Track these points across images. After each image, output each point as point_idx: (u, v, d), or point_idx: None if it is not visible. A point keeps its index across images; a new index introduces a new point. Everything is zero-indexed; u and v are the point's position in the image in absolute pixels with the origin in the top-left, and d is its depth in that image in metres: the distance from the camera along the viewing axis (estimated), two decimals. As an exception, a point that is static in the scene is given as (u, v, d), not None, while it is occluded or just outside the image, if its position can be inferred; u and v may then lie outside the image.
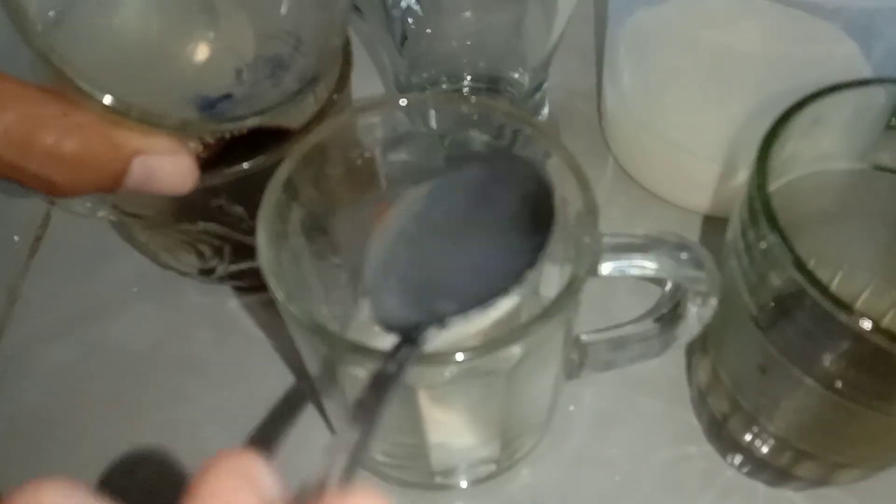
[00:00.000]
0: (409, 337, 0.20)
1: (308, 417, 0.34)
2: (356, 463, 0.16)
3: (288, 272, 0.25)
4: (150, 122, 0.21)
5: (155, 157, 0.21)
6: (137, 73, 0.23)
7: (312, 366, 0.27)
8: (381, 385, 0.18)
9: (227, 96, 0.23)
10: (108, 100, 0.20)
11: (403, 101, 0.28)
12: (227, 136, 0.38)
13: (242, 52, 0.23)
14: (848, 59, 0.33)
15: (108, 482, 0.33)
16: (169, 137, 0.22)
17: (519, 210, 0.23)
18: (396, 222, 0.23)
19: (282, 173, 0.25)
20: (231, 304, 0.38)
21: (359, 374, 0.24)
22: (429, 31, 0.39)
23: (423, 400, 0.24)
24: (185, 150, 0.22)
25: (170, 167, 0.22)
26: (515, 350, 0.22)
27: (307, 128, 0.30)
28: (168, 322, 0.38)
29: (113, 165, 0.21)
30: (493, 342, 0.22)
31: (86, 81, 0.20)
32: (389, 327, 0.21)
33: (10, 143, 0.19)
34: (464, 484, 0.31)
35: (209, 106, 0.23)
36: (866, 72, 0.33)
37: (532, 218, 0.23)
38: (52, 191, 0.21)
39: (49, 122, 0.20)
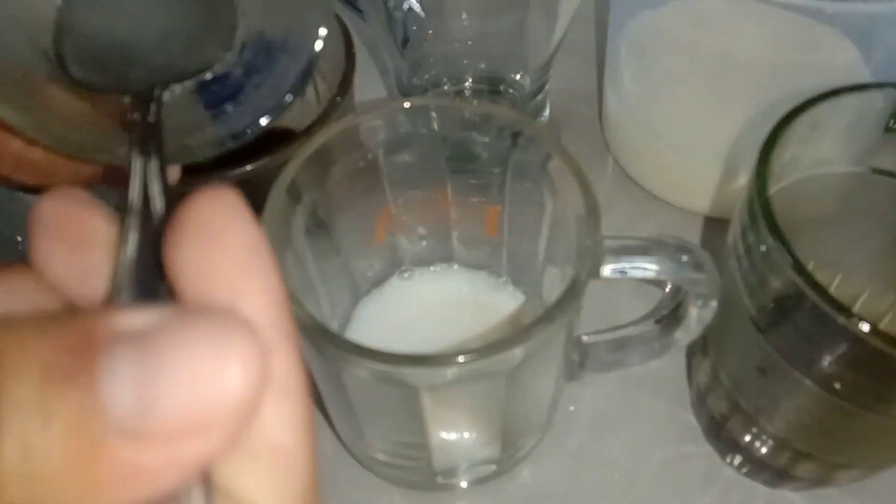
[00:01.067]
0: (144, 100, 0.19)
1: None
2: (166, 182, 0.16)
3: (291, 274, 0.25)
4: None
5: None
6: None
7: (315, 366, 0.27)
8: (152, 131, 0.18)
9: (225, 77, 0.22)
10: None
11: (406, 104, 0.28)
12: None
13: (250, 22, 0.23)
14: (848, 64, 0.33)
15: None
16: None
17: None
18: None
19: (286, 176, 0.25)
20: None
21: (361, 374, 0.24)
22: (430, 32, 0.39)
23: (426, 400, 0.24)
24: None
25: None
26: (518, 352, 0.22)
27: (310, 130, 0.30)
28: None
29: (85, 168, 0.20)
30: (495, 344, 0.22)
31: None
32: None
33: None
34: (465, 484, 0.31)
35: (203, 87, 0.23)
36: (866, 76, 0.33)
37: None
38: (27, 189, 0.20)
39: None
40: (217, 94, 0.22)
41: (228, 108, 0.22)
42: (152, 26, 0.21)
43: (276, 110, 0.21)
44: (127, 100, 0.19)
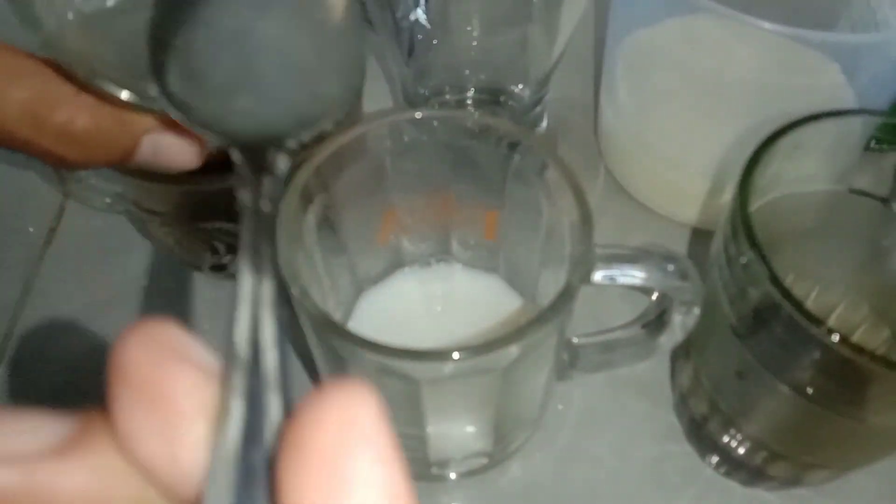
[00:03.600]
0: (257, 164, 0.17)
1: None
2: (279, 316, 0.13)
3: (301, 270, 0.26)
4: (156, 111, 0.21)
5: (164, 134, 0.22)
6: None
7: (321, 358, 0.28)
8: (266, 226, 0.15)
9: None
10: (125, 95, 0.20)
11: (410, 115, 0.30)
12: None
13: None
14: (833, 86, 0.34)
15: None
16: None
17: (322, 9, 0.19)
18: None
19: (299, 180, 0.27)
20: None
21: (364, 366, 0.26)
22: (435, 43, 0.41)
23: (425, 393, 0.26)
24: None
25: (178, 144, 0.22)
26: (513, 350, 0.24)
27: (320, 137, 0.31)
28: (179, 315, 0.39)
29: (123, 142, 0.21)
30: (491, 342, 0.23)
31: (100, 78, 0.20)
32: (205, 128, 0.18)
33: (24, 120, 0.20)
34: (456, 476, 0.33)
35: None
36: (850, 98, 0.34)
37: (339, 23, 0.19)
38: (64, 164, 0.21)
39: (62, 99, 0.20)
40: None
41: None
42: (266, 46, 0.18)
43: None
44: (235, 158, 0.16)
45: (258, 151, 0.17)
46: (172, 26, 0.18)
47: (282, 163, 0.17)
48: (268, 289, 0.13)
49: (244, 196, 0.15)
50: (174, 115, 0.18)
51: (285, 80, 0.18)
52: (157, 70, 0.18)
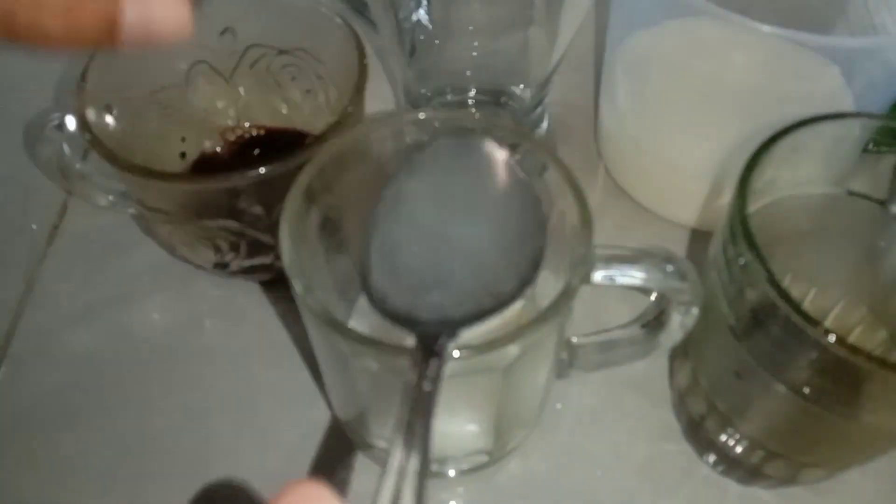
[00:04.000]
0: (429, 347, 0.20)
1: (312, 405, 0.36)
2: (423, 488, 0.15)
3: (305, 269, 0.27)
4: None
5: None
6: None
7: (323, 357, 0.28)
8: (423, 404, 0.17)
9: None
10: None
11: (413, 116, 0.30)
12: (247, 135, 0.41)
13: None
14: (831, 89, 0.34)
15: (120, 466, 0.34)
16: None
17: (511, 214, 0.23)
18: (392, 205, 0.22)
19: (303, 180, 0.27)
20: (242, 297, 0.39)
21: (365, 363, 0.26)
22: (437, 43, 0.41)
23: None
24: None
25: (164, 8, 0.20)
26: (513, 349, 0.24)
27: (323, 137, 0.31)
28: (181, 313, 0.39)
29: (104, 4, 0.19)
30: (492, 342, 0.23)
31: None
32: (394, 318, 0.21)
33: None
34: (456, 473, 0.33)
35: None
36: (848, 101, 0.34)
37: (524, 227, 0.23)
38: (48, 42, 0.20)
39: None
40: None
41: None
42: (458, 248, 0.21)
43: None
44: (409, 342, 0.19)
45: (433, 338, 0.20)
46: (384, 228, 0.21)
47: (450, 348, 0.20)
48: (414, 464, 0.15)
49: (410, 373, 0.18)
50: (372, 305, 0.20)
51: (474, 281, 0.21)
52: (365, 268, 0.21)
